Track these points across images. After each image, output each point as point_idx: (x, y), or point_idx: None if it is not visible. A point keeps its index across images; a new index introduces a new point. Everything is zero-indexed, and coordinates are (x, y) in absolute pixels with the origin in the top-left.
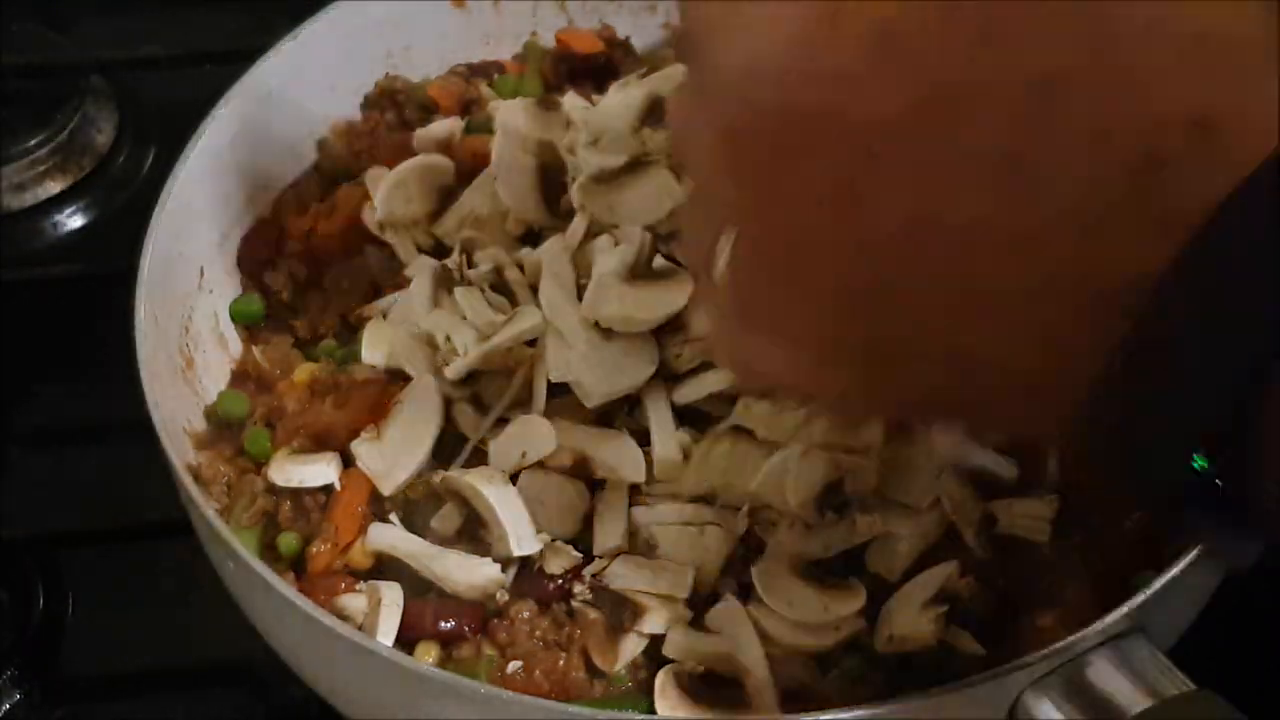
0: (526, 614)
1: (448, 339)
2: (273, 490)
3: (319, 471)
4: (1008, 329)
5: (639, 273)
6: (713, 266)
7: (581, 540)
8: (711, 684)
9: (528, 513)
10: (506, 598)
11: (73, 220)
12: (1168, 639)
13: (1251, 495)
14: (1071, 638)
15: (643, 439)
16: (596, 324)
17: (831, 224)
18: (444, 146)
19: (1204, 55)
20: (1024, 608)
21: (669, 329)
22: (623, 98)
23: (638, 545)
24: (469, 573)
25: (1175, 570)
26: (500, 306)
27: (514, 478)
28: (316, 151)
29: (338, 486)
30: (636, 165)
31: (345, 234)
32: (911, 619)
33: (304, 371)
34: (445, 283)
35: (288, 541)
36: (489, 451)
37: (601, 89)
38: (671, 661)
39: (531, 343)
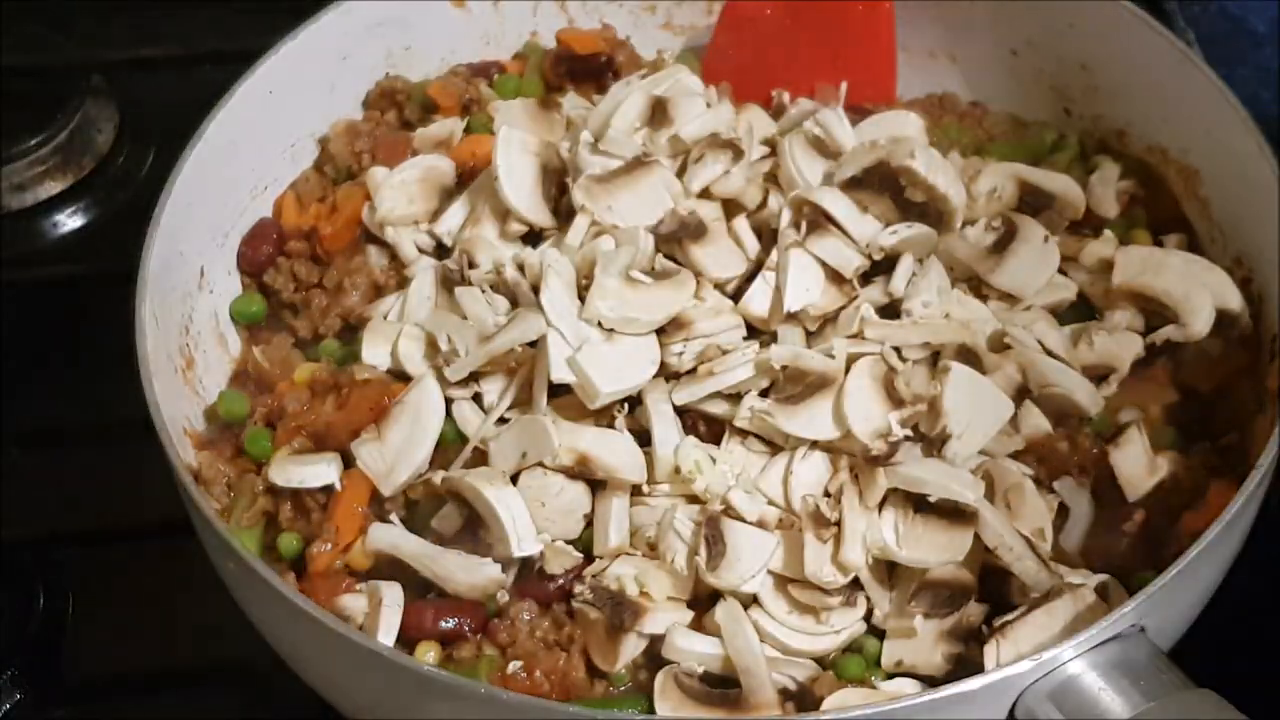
0: (527, 614)
1: (449, 339)
2: (273, 490)
3: (319, 471)
4: None
5: (640, 274)
6: None
7: (582, 540)
8: (711, 684)
9: (528, 513)
10: (507, 598)
11: (73, 220)
12: (1168, 639)
13: None
14: (1072, 638)
15: (643, 439)
16: (598, 324)
17: None
18: (444, 146)
19: None
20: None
21: (670, 329)
22: (623, 98)
23: (638, 545)
24: (469, 573)
25: (1175, 570)
26: (501, 307)
27: (514, 478)
28: (317, 151)
29: (338, 487)
30: (637, 166)
31: (346, 234)
32: (926, 653)
33: (304, 371)
34: (446, 283)
35: (288, 542)
36: (489, 452)
37: (601, 89)
38: (671, 662)
39: (533, 343)
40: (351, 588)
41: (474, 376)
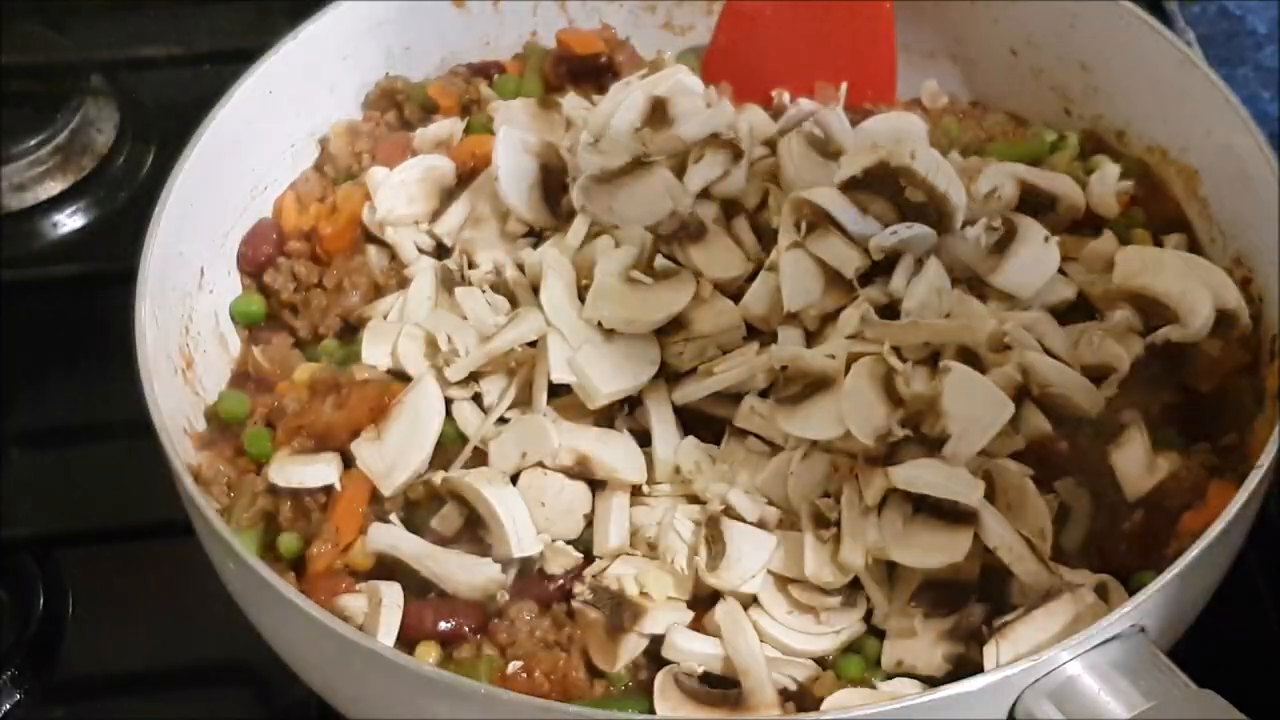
0: (527, 614)
1: (449, 339)
2: (273, 490)
3: (319, 471)
4: None
5: (640, 274)
6: None
7: (582, 540)
8: (711, 684)
9: (528, 513)
10: (507, 598)
11: (73, 220)
12: (1168, 639)
13: None
14: (1072, 638)
15: (643, 439)
16: (598, 325)
17: None
18: (444, 146)
19: None
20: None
21: (670, 329)
22: (623, 98)
23: (638, 545)
24: (469, 573)
25: (1175, 570)
26: (501, 307)
27: (514, 478)
28: (317, 151)
29: (338, 487)
30: (637, 166)
31: (346, 234)
32: (926, 653)
33: (304, 371)
34: (446, 283)
35: (288, 542)
36: (489, 452)
37: (601, 89)
38: (671, 662)
39: (533, 343)
40: (351, 588)
41: (474, 376)
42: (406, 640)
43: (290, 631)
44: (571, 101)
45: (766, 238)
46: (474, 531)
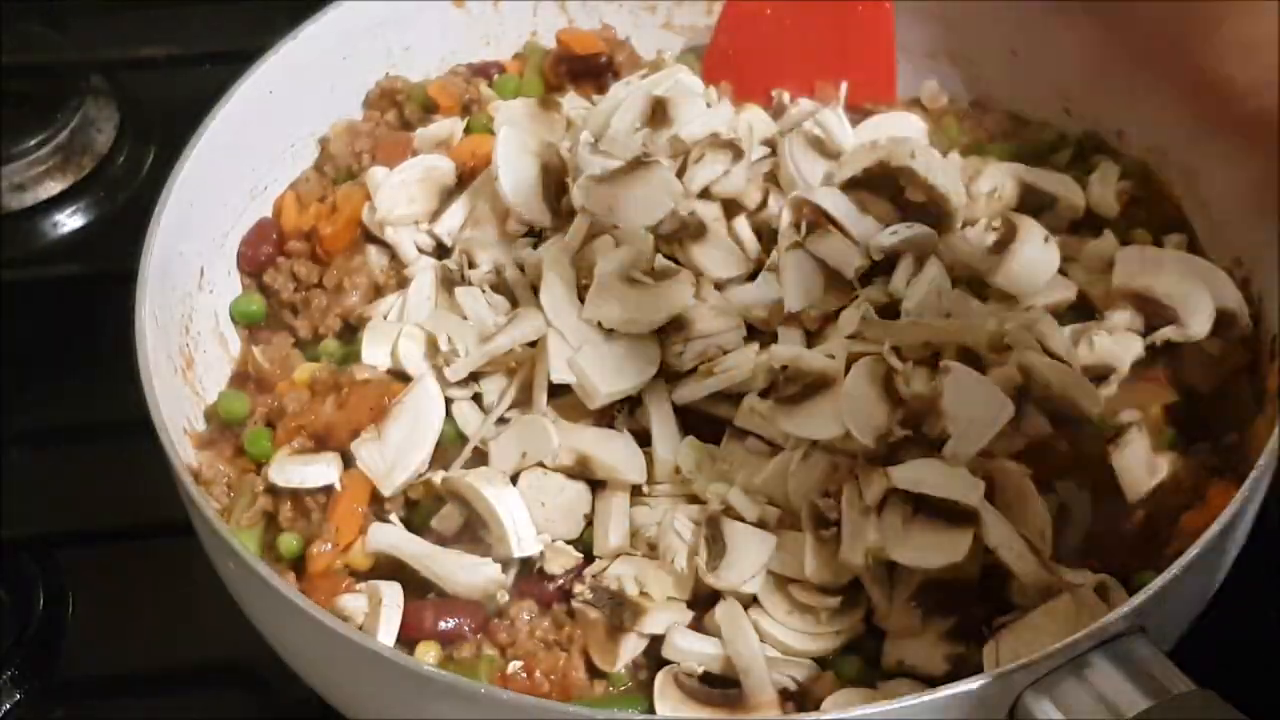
0: (527, 614)
1: (449, 339)
2: (273, 490)
3: (319, 471)
4: None
5: (640, 274)
6: None
7: (582, 540)
8: (711, 684)
9: (528, 513)
10: (507, 598)
11: (73, 220)
12: (1168, 639)
13: None
14: (1072, 638)
15: (643, 439)
16: (598, 325)
17: None
18: (444, 146)
19: None
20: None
21: (670, 329)
22: (623, 98)
23: (638, 545)
24: (469, 573)
25: (1175, 570)
26: (501, 307)
27: (514, 478)
28: (317, 151)
29: (338, 487)
30: (637, 166)
31: (346, 234)
32: (926, 653)
33: (304, 371)
34: (446, 283)
35: (288, 542)
36: (489, 452)
37: (601, 89)
38: (671, 662)
39: (533, 343)
40: (351, 588)
41: (474, 376)
42: (406, 640)
43: (290, 631)
44: (571, 101)
45: (766, 238)
46: (474, 531)
